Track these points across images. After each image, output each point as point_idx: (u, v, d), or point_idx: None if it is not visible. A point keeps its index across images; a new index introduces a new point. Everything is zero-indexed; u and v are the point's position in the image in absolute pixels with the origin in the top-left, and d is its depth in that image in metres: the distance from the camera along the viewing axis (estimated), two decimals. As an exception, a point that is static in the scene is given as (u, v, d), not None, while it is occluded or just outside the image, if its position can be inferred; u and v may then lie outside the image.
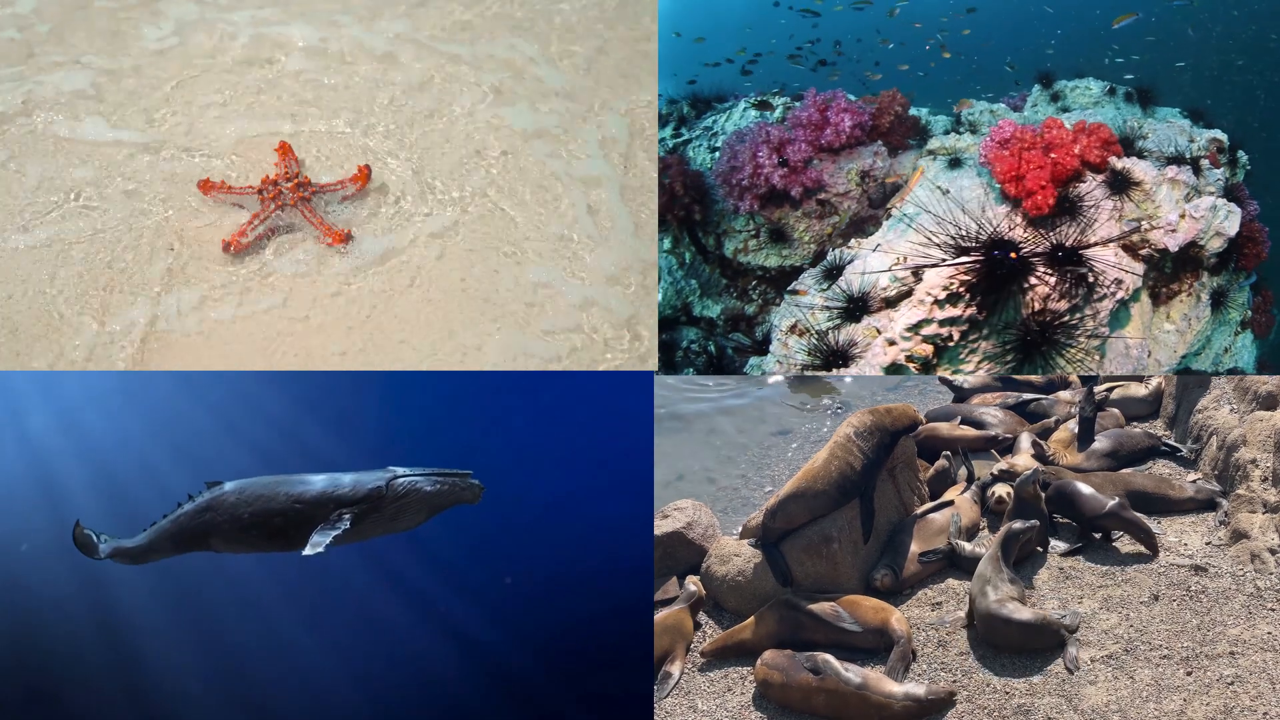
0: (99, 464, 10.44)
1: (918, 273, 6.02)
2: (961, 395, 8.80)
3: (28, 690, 8.95)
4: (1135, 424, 7.95)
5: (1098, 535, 6.31)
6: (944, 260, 5.87)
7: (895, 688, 5.19)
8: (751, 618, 5.97)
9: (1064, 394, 8.39)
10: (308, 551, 4.49)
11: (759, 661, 5.55)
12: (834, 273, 6.64)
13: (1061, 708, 4.98)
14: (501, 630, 9.69)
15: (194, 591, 9.28)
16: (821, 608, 5.81)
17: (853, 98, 8.11)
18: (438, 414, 11.11)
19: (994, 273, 5.79)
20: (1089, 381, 8.52)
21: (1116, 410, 7.94)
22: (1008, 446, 7.66)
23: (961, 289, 5.89)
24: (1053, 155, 6.18)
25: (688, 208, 8.08)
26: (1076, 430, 7.49)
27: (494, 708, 9.18)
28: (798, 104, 8.53)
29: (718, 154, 8.45)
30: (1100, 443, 7.38)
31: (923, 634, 5.80)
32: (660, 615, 6.11)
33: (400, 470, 4.80)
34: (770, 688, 5.43)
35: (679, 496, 7.56)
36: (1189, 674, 5.06)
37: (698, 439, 9.57)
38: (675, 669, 5.86)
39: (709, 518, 7.06)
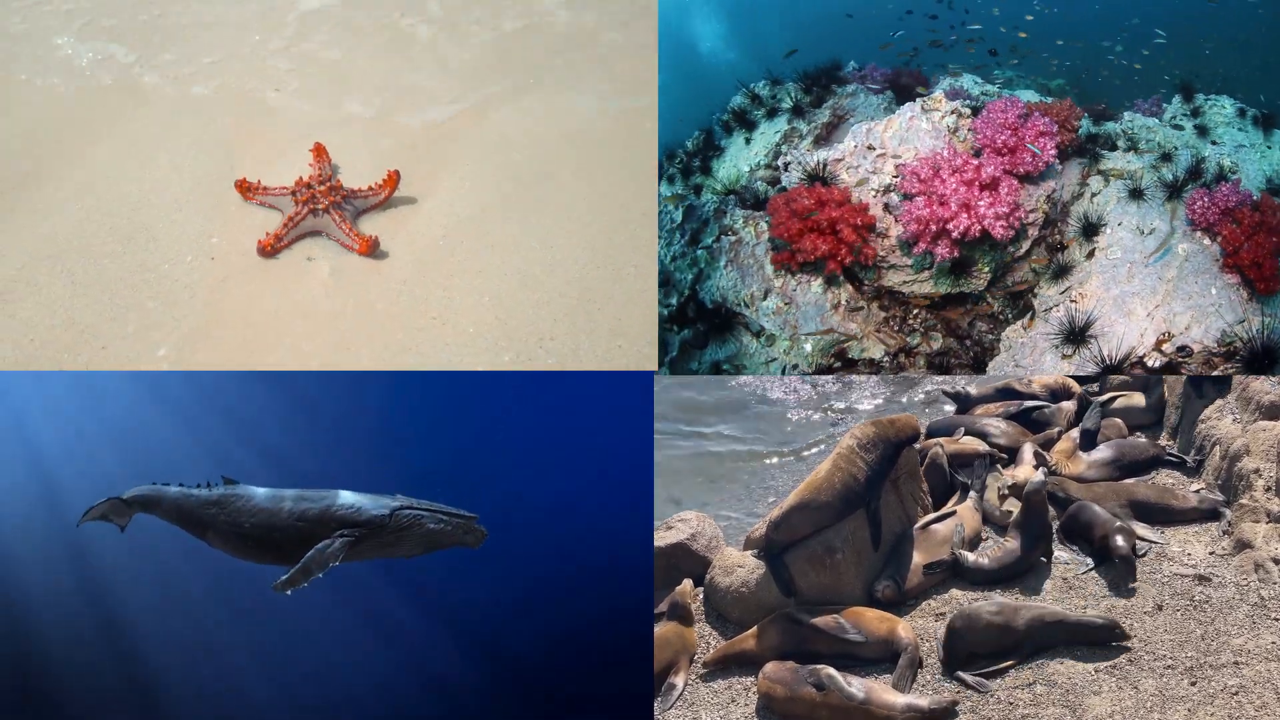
0: (99, 463, 10.47)
1: (1185, 349, 6.01)
2: (965, 406, 8.80)
3: (26, 690, 8.97)
4: (1138, 433, 7.96)
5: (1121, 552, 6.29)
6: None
7: (898, 700, 5.19)
8: (754, 628, 5.98)
9: (1067, 404, 8.38)
10: (288, 582, 4.46)
11: (761, 675, 5.55)
12: (1075, 336, 6.23)
13: (1066, 718, 4.98)
14: (498, 632, 9.68)
15: (194, 588, 9.29)
16: (825, 620, 5.81)
17: (1020, 99, 7.21)
18: (437, 414, 11.10)
19: None
20: (1089, 382, 8.54)
21: (1119, 420, 7.95)
22: (1010, 457, 7.67)
23: None
24: (1275, 239, 6.32)
25: (862, 252, 6.87)
26: (1078, 439, 7.50)
27: (491, 710, 9.17)
28: (956, 100, 7.42)
29: (874, 175, 7.10)
30: (1103, 452, 7.39)
31: (928, 644, 5.80)
32: (662, 627, 6.11)
33: (409, 502, 4.84)
34: (773, 701, 5.43)
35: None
36: (1193, 684, 5.06)
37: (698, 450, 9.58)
38: (679, 680, 5.86)
39: (713, 529, 7.07)
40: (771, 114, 8.98)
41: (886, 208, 6.99)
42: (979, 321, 7.24)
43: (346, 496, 4.84)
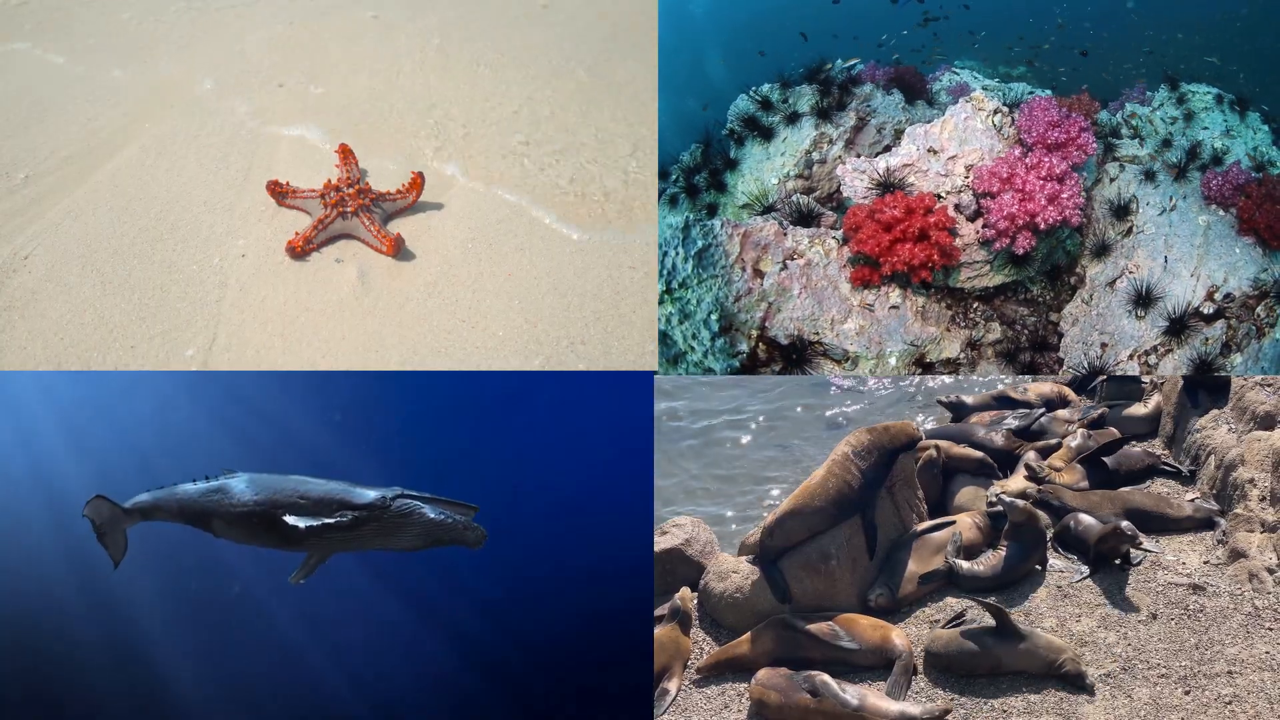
0: (99, 464, 10.45)
1: (1229, 295, 7.20)
2: (960, 414, 8.81)
3: (26, 691, 8.94)
4: (1134, 442, 7.96)
5: (1117, 560, 6.29)
6: None
7: (892, 707, 5.18)
8: (748, 634, 5.97)
9: (1062, 412, 8.39)
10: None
11: (754, 680, 5.54)
12: (1144, 299, 7.17)
13: (1059, 727, 4.98)
14: (498, 633, 9.66)
15: (192, 590, 9.29)
16: (819, 627, 5.80)
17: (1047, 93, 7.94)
18: (436, 414, 11.09)
19: None
20: (1085, 387, 8.56)
21: (1115, 429, 7.94)
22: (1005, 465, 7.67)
23: None
24: None
25: (950, 253, 6.98)
26: (1074, 445, 7.52)
27: (489, 711, 9.14)
28: (994, 100, 7.69)
29: (946, 178, 7.18)
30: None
31: (921, 651, 5.79)
32: (657, 632, 6.10)
33: (407, 492, 4.89)
34: (766, 707, 5.42)
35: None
36: (1187, 693, 5.06)
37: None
38: (673, 686, 5.85)
39: (707, 534, 7.06)
40: (792, 119, 8.54)
41: (957, 208, 7.30)
42: (1020, 306, 7.71)
43: (350, 485, 4.91)
